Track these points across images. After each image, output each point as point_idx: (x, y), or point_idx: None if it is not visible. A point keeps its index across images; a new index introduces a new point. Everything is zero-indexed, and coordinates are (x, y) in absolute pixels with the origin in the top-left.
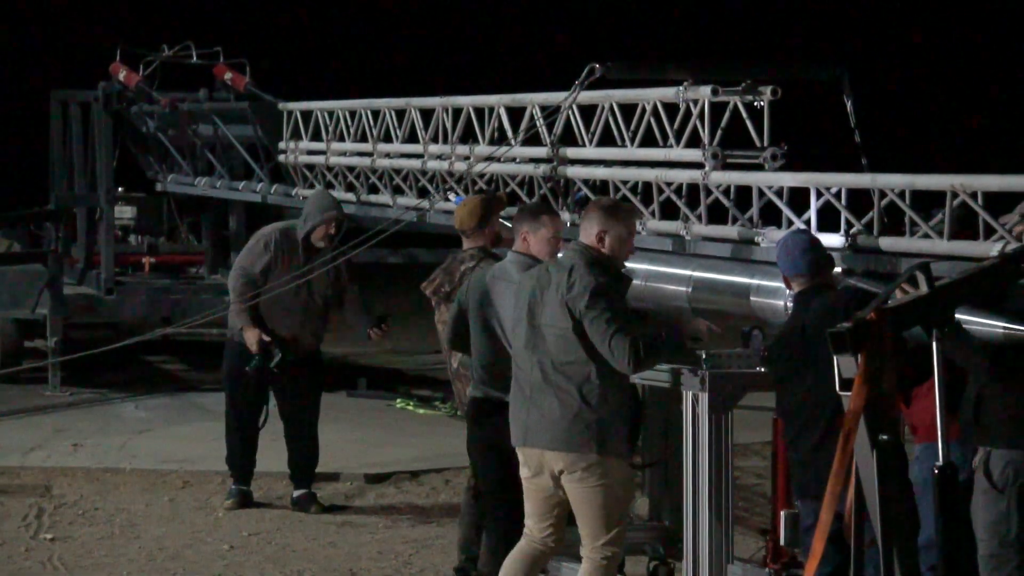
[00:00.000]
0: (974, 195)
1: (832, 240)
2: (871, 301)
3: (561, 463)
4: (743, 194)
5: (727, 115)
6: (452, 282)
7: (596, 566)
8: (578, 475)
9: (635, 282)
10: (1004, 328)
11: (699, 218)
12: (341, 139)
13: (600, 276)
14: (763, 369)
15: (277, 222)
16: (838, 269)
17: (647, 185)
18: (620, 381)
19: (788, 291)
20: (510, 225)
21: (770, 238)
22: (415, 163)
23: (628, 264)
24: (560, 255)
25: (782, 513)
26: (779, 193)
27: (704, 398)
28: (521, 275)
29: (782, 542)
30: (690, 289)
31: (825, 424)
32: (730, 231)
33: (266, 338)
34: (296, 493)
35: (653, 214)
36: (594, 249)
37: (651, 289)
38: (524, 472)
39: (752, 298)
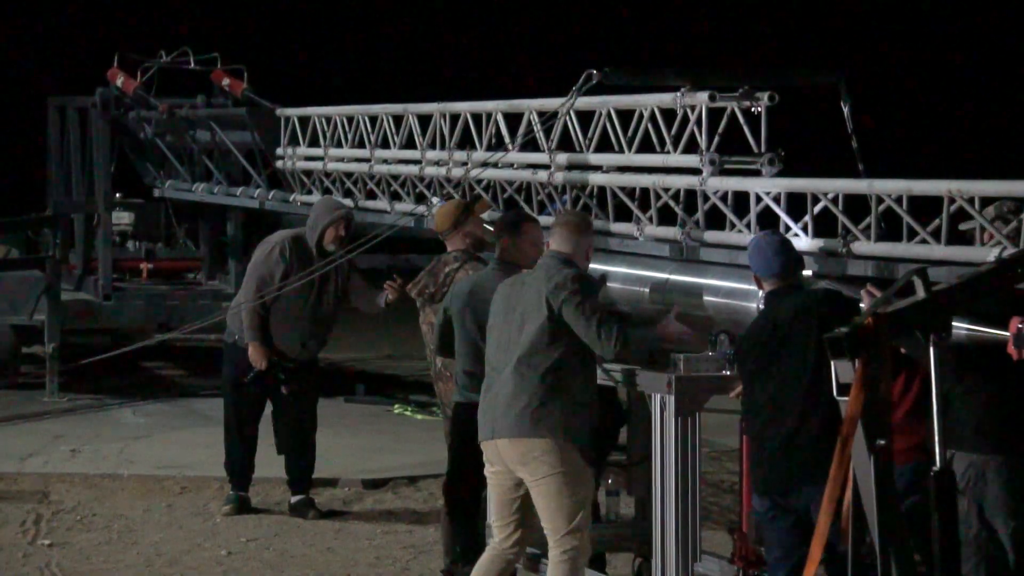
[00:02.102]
0: (971, 200)
1: (801, 243)
2: (839, 301)
3: (516, 453)
4: (740, 200)
5: (724, 121)
6: (436, 283)
7: (560, 559)
8: (532, 468)
9: (612, 284)
10: (967, 329)
11: (697, 224)
12: (339, 145)
13: (575, 270)
14: (728, 372)
15: (283, 230)
16: (809, 272)
17: (644, 191)
18: (585, 376)
19: (760, 291)
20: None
21: None
22: (413, 169)
23: (607, 267)
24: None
25: (749, 512)
26: (776, 199)
27: (671, 401)
28: (501, 282)
29: (749, 540)
30: (647, 290)
31: (792, 423)
32: (728, 237)
33: (275, 359)
34: (294, 499)
35: (651, 220)
36: (566, 254)
37: (626, 292)
38: (488, 468)
39: (726, 300)
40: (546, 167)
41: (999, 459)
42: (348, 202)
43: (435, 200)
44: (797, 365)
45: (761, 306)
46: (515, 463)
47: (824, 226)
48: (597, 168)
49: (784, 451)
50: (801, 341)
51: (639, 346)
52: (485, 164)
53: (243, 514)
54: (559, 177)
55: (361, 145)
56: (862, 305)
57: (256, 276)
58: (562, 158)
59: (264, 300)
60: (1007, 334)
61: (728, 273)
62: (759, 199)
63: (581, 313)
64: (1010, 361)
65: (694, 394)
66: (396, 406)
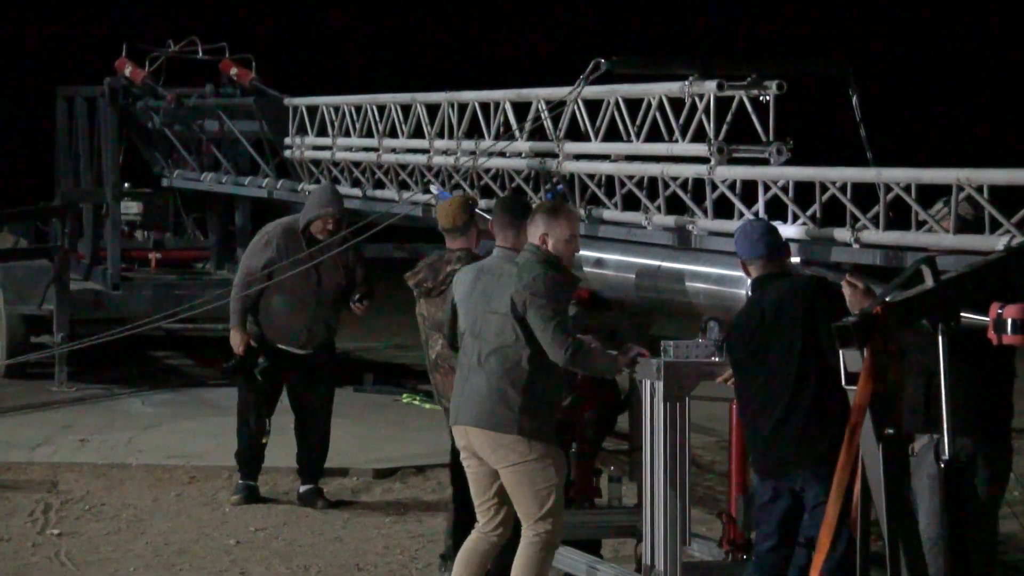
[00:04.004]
0: (980, 189)
1: (788, 231)
2: (826, 287)
3: (484, 441)
4: (749, 188)
5: (733, 110)
6: (435, 279)
7: (533, 542)
8: (501, 456)
9: (606, 271)
10: None
11: (705, 213)
12: (347, 134)
13: (549, 271)
14: (718, 359)
15: (281, 218)
16: (797, 259)
17: (652, 180)
18: (550, 371)
19: (747, 277)
20: (488, 217)
21: None
22: (420, 158)
23: (601, 255)
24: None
25: (737, 497)
26: (785, 188)
27: (660, 387)
28: (478, 267)
29: (738, 524)
30: (634, 276)
31: (784, 406)
32: (736, 226)
33: (253, 343)
34: (303, 488)
35: (659, 209)
36: (543, 249)
37: (619, 279)
38: (462, 455)
39: (716, 287)
40: (554, 156)
41: (978, 442)
42: (356, 191)
43: (435, 191)
44: (785, 351)
45: (749, 293)
46: (484, 450)
47: (832, 215)
48: (605, 157)
49: (776, 436)
50: (788, 327)
51: (586, 362)
52: (493, 153)
53: (252, 504)
54: (566, 167)
55: (369, 134)
56: (844, 291)
57: (244, 264)
58: (570, 147)
59: (250, 286)
60: (987, 319)
61: (719, 260)
62: (767, 188)
63: (540, 317)
64: (991, 346)
65: (683, 380)
66: (405, 395)
